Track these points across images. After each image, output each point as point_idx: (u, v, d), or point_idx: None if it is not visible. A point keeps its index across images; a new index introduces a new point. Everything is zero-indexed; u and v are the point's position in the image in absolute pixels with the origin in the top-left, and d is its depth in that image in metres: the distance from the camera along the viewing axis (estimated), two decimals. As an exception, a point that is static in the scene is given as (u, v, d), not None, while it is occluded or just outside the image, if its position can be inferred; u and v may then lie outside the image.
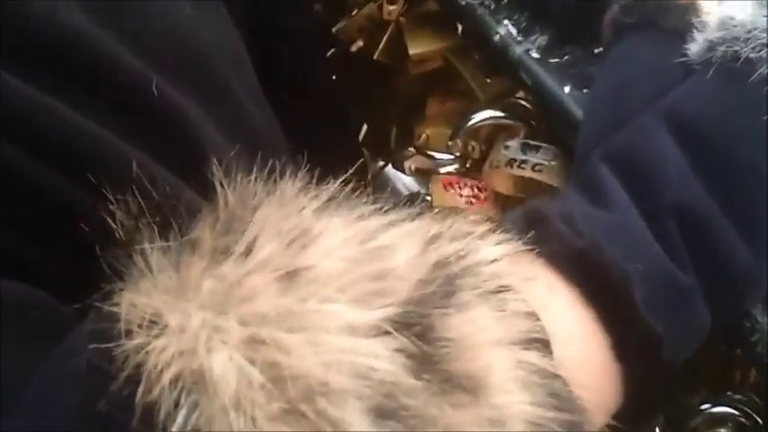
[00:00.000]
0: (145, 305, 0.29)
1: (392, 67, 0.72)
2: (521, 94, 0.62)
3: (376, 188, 0.75)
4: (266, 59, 0.52)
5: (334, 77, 0.72)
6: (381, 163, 0.76)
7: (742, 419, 0.48)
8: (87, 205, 0.33)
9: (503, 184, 0.61)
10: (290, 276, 0.29)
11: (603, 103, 0.49)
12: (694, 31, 0.45)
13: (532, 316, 0.34)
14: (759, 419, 0.47)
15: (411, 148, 0.71)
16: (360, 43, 0.73)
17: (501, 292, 0.33)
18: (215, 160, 0.33)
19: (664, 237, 0.41)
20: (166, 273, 0.30)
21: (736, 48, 0.43)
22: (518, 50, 0.58)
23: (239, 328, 0.28)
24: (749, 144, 0.43)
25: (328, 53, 0.73)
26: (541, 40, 0.58)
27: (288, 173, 0.33)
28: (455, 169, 0.67)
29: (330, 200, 0.33)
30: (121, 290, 0.30)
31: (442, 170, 0.68)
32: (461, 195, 0.64)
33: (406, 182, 0.75)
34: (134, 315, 0.28)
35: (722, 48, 0.44)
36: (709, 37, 0.44)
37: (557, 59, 0.58)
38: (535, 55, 0.58)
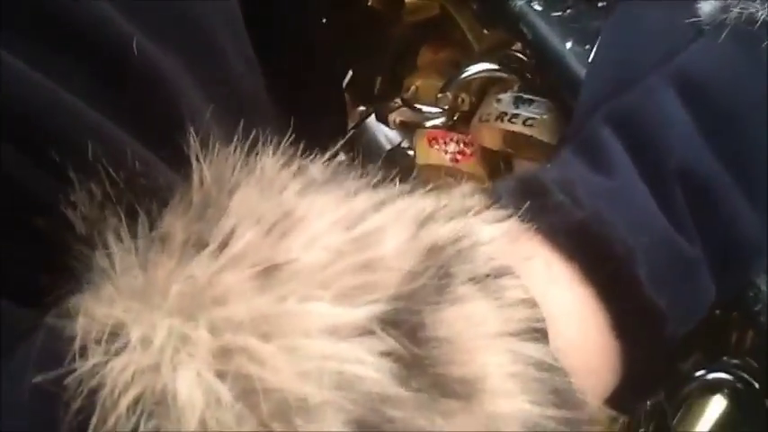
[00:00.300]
0: (105, 316, 0.26)
1: (386, 13, 0.69)
2: (517, 46, 0.60)
3: (357, 138, 0.73)
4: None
5: (323, 20, 0.69)
6: (364, 113, 0.73)
7: (738, 385, 0.46)
8: (48, 190, 0.29)
9: (491, 139, 0.59)
10: (268, 272, 0.27)
11: (607, 63, 0.47)
12: None
13: (531, 302, 0.32)
14: (756, 384, 0.46)
15: (397, 100, 0.68)
16: (354, -13, 0.70)
17: (498, 276, 0.31)
18: (192, 131, 0.30)
19: (668, 203, 0.39)
20: (132, 273, 0.27)
21: (752, 9, 0.41)
22: (519, 2, 0.56)
23: (209, 338, 0.26)
24: (760, 109, 0.41)
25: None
26: (544, -9, 0.57)
27: (270, 144, 0.31)
28: (442, 123, 0.65)
29: (314, 177, 0.31)
30: (80, 295, 0.27)
31: (428, 124, 0.66)
32: (446, 152, 0.62)
33: (388, 134, 0.72)
34: (92, 328, 0.26)
35: (737, 9, 0.42)
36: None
37: (559, 13, 0.56)
38: (537, 7, 0.56)
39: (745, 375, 0.47)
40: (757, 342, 0.48)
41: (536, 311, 0.32)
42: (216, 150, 0.30)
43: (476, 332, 0.29)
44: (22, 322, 0.28)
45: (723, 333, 0.48)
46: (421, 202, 0.31)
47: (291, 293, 0.27)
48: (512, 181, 0.40)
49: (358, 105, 0.77)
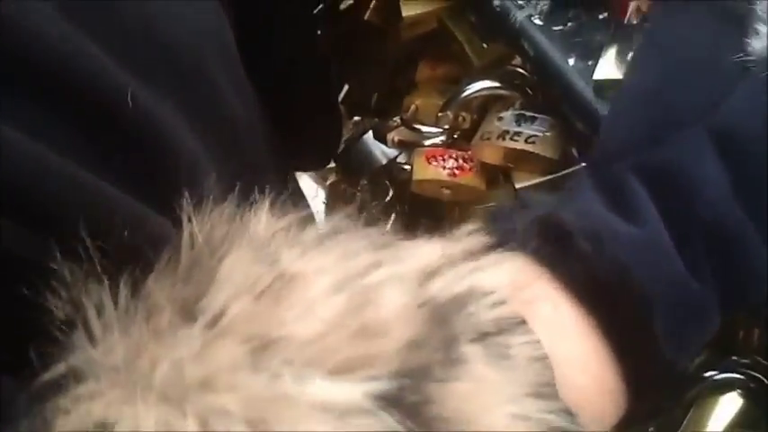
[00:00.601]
0: (88, 413, 0.24)
1: (383, 27, 0.68)
2: (517, 60, 0.59)
3: (352, 152, 0.72)
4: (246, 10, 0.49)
5: (318, 33, 0.69)
6: (359, 125, 0.72)
7: (751, 384, 0.46)
8: (35, 257, 0.28)
9: (492, 155, 0.58)
10: (261, 348, 0.25)
11: (638, 104, 0.43)
12: (758, 21, 0.40)
13: (541, 358, 0.31)
14: (767, 381, 0.46)
15: (396, 119, 0.67)
16: (350, 1, 0.69)
17: (505, 333, 0.30)
18: (186, 193, 0.29)
19: (693, 258, 0.38)
20: (115, 354, 0.25)
21: None
22: (519, 16, 0.56)
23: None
24: None
25: (316, 9, 0.70)
26: (543, 4, 0.56)
27: (263, 196, 0.29)
28: (441, 141, 0.64)
29: (309, 233, 0.29)
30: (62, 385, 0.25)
31: (427, 143, 0.65)
32: (444, 168, 0.61)
33: (385, 150, 0.71)
34: (75, 427, 0.24)
35: None
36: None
37: (560, 27, 0.55)
38: (538, 21, 0.55)
39: (756, 374, 0.47)
40: (764, 340, 0.48)
41: (546, 369, 0.31)
42: (208, 209, 0.28)
43: (483, 405, 0.27)
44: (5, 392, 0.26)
45: (729, 332, 0.47)
46: (422, 252, 0.30)
47: (286, 371, 0.25)
48: (527, 216, 0.38)
49: (353, 116, 0.76)
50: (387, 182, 0.66)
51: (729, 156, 0.39)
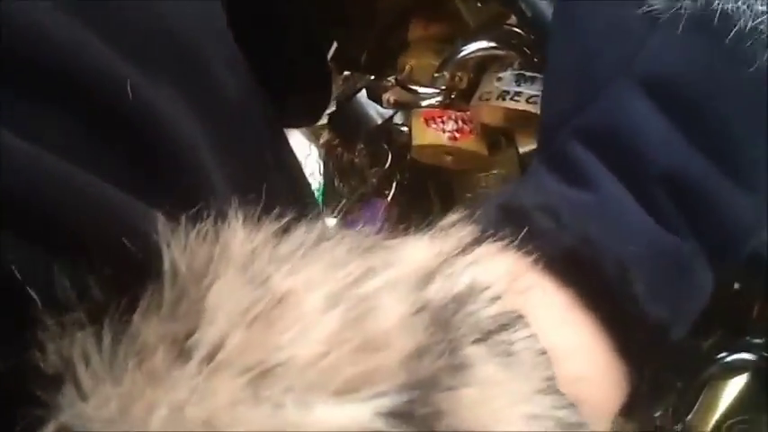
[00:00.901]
0: None
1: (373, -15, 0.67)
2: (513, 19, 0.59)
3: (345, 111, 0.71)
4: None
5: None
6: (350, 80, 0.71)
7: (763, 365, 0.46)
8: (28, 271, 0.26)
9: (493, 117, 0.59)
10: (260, 378, 0.24)
11: (565, 78, 0.44)
12: None
13: (542, 352, 0.31)
14: None
15: (391, 79, 0.67)
16: (337, -42, 0.68)
17: (505, 329, 0.30)
18: (161, 219, 0.27)
19: (656, 208, 0.38)
20: (109, 405, 0.24)
21: None
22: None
23: None
24: (733, 95, 0.39)
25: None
26: (541, -36, 0.55)
27: (244, 209, 0.28)
28: (438, 102, 0.63)
29: (299, 247, 0.28)
30: None
31: (424, 103, 0.64)
32: (444, 131, 0.61)
33: (379, 109, 0.71)
34: None
35: None
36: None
37: (557, -14, 0.55)
38: (534, -19, 0.55)
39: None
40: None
41: (548, 362, 0.31)
42: (188, 234, 0.27)
43: (495, 409, 0.27)
44: None
45: (743, 310, 0.48)
46: (413, 252, 0.30)
47: (288, 399, 0.24)
48: (492, 207, 0.38)
49: (343, 72, 0.75)
50: (385, 146, 0.65)
51: (665, 102, 0.39)
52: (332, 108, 0.73)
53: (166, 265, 0.26)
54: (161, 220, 0.27)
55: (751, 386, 0.47)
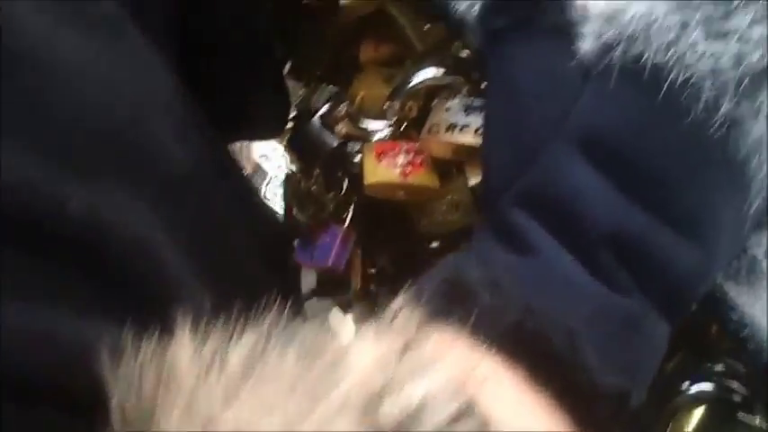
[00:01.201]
0: None
1: (322, 8, 0.64)
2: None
3: (300, 134, 0.69)
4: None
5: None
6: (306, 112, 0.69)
7: (726, 396, 0.45)
8: None
9: (441, 150, 0.56)
10: None
11: (503, 139, 0.44)
12: (578, 25, 0.39)
13: None
14: (744, 391, 0.45)
15: (343, 106, 0.64)
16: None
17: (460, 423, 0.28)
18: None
19: (601, 269, 0.37)
20: None
21: (636, 50, 0.37)
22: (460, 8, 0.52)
23: None
24: (668, 148, 0.37)
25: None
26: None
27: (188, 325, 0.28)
28: (389, 134, 0.61)
29: (233, 367, 0.27)
30: None
31: (375, 138, 0.62)
32: (396, 165, 0.59)
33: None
34: None
35: (620, 48, 0.37)
36: (598, 30, 0.38)
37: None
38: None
39: (729, 382, 0.46)
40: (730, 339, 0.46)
41: None
42: (133, 357, 0.27)
43: None
44: None
45: (703, 328, 0.46)
46: (358, 364, 0.28)
47: None
48: (437, 282, 0.37)
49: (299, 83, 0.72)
50: (340, 174, 0.63)
51: (601, 160, 0.38)
52: (290, 125, 0.71)
53: (113, 406, 0.27)
54: (105, 351, 0.27)
55: (711, 416, 0.45)
